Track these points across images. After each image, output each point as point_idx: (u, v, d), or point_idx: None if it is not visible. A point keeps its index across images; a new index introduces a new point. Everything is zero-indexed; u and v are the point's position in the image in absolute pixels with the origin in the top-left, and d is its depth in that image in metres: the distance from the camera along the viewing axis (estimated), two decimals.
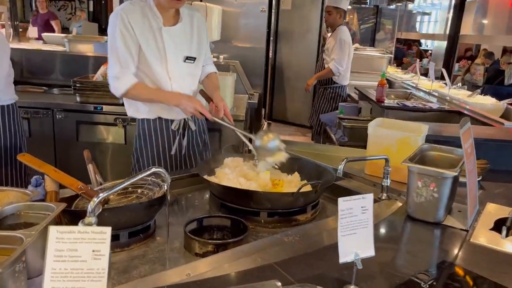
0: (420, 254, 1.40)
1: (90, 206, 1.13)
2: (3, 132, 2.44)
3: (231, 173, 1.90)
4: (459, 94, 4.25)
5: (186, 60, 2.16)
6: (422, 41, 12.71)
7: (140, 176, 1.22)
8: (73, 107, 3.26)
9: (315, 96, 4.97)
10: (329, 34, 4.82)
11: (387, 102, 3.68)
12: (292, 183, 1.93)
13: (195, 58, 2.22)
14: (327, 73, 4.49)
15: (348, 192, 2.05)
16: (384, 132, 2.19)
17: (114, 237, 1.45)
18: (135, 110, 2.22)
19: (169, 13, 2.11)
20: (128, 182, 1.22)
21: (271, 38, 6.01)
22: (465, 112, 3.44)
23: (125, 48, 2.02)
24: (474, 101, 3.76)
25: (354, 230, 1.10)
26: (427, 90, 4.52)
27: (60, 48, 4.33)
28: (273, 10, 5.82)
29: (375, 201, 1.91)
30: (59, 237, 0.82)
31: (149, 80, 2.12)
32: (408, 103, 3.69)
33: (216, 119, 2.06)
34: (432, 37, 8.08)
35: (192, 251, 1.46)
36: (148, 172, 1.25)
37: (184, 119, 2.25)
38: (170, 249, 1.45)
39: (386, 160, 1.88)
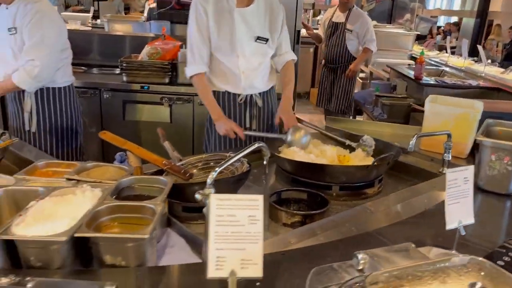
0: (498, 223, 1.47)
1: (210, 179, 1.22)
2: (59, 113, 2.52)
3: (299, 151, 1.98)
4: (491, 71, 4.26)
5: (257, 40, 2.23)
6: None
7: (246, 152, 1.29)
8: (120, 86, 3.33)
9: (325, 80, 4.79)
10: (338, 14, 4.62)
11: (424, 79, 3.71)
12: (357, 158, 2.01)
13: (267, 39, 2.29)
14: (366, 55, 4.49)
15: (407, 167, 2.12)
16: (442, 109, 2.25)
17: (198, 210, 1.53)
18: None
19: None
20: (236, 158, 1.29)
21: None
22: (505, 88, 3.47)
23: (198, 35, 2.17)
24: (510, 78, 3.78)
25: (458, 199, 1.17)
26: (459, 68, 4.53)
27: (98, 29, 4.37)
28: None
29: (435, 175, 2.01)
30: (219, 204, 0.90)
31: (220, 56, 2.23)
32: (447, 80, 3.72)
33: (249, 133, 2.22)
34: (457, 13, 7.97)
35: (279, 221, 1.55)
36: (253, 147, 1.32)
37: (251, 95, 2.35)
38: None
39: (448, 135, 1.95)
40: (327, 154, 1.99)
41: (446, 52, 5.70)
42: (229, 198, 0.90)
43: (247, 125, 2.41)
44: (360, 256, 0.86)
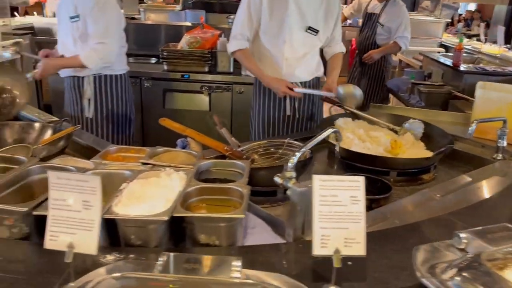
0: None
1: (291, 163, 1.25)
2: (116, 100, 2.59)
3: (354, 138, 2.01)
4: None
5: (308, 30, 2.24)
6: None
7: (321, 138, 1.31)
8: (161, 75, 3.38)
9: (355, 69, 4.70)
10: (375, 3, 4.38)
11: (463, 67, 3.67)
12: (408, 143, 2.03)
13: (318, 31, 2.30)
14: (392, 49, 4.28)
15: (459, 154, 2.12)
16: (494, 95, 2.24)
17: (272, 193, 1.57)
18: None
19: None
20: (312, 144, 1.31)
21: None
22: None
23: (247, 14, 2.20)
24: None
25: None
26: (495, 55, 4.46)
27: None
28: None
29: (489, 161, 2.01)
30: (322, 184, 0.93)
31: (265, 41, 2.27)
32: (487, 67, 3.67)
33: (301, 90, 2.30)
34: (487, 0, 7.82)
35: None
36: (327, 133, 1.34)
37: (292, 83, 2.35)
38: None
39: (504, 122, 1.94)
40: (381, 141, 2.01)
41: (476, 40, 5.62)
42: (331, 179, 0.93)
43: (288, 113, 2.43)
44: (462, 235, 0.89)
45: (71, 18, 2.40)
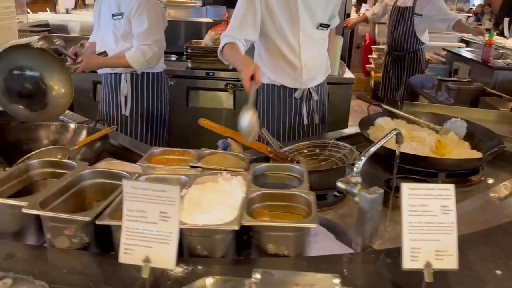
0: None
1: (357, 168, 1.19)
2: (152, 98, 2.54)
3: None
4: None
5: (319, 27, 2.16)
6: None
7: (386, 140, 1.25)
8: (185, 73, 3.32)
9: (389, 69, 4.64)
10: None
11: (493, 62, 3.59)
12: (452, 143, 1.96)
13: (328, 25, 2.22)
14: (469, 30, 4.28)
15: (505, 154, 2.05)
16: None
17: (321, 197, 1.51)
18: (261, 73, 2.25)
19: None
20: (378, 145, 1.25)
21: None
22: None
23: (242, 15, 2.05)
24: None
25: None
26: None
27: None
28: None
29: None
30: (411, 193, 0.87)
31: (280, 46, 2.14)
32: None
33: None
34: None
35: (394, 208, 1.51)
36: (391, 135, 1.28)
37: (308, 88, 2.28)
38: None
39: None
40: (425, 141, 1.95)
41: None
42: (420, 187, 0.87)
43: (305, 122, 2.34)
44: None
45: (114, 15, 2.36)
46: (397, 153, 1.35)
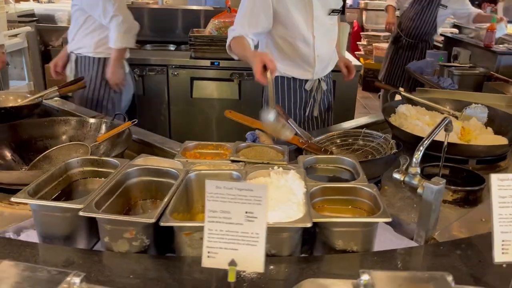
0: None
1: (416, 158, 1.16)
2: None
3: (424, 125, 1.93)
4: None
5: (331, 13, 2.11)
6: None
7: (439, 130, 1.22)
8: (189, 63, 3.23)
9: (398, 56, 4.61)
10: None
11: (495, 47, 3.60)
12: (476, 129, 1.97)
13: (339, 10, 2.18)
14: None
15: None
16: None
17: None
18: None
19: None
20: (431, 138, 1.22)
21: None
22: None
23: (251, 8, 1.99)
24: None
25: None
26: None
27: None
28: None
29: None
30: (500, 184, 0.84)
31: (292, 40, 2.09)
32: None
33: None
34: None
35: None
36: (444, 124, 1.25)
37: (318, 79, 2.24)
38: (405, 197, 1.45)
39: None
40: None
41: None
42: (509, 178, 0.84)
43: (315, 114, 2.30)
44: None
45: (72, 6, 2.38)
46: (445, 142, 1.33)
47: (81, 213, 0.94)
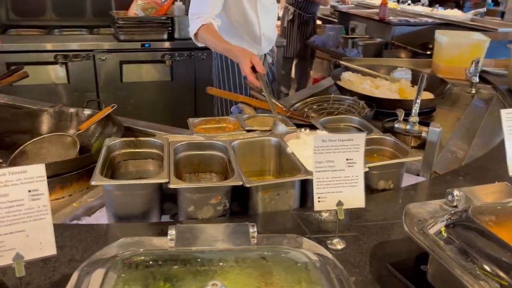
0: None
1: (414, 109, 1.40)
2: None
3: (371, 88, 2.23)
4: (425, 10, 4.90)
5: None
6: None
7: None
8: (117, 46, 3.11)
9: (292, 25, 4.94)
10: None
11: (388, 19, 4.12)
12: (408, 88, 2.32)
13: None
14: None
15: None
16: (458, 41, 2.65)
17: None
18: None
19: None
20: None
21: None
22: (452, 23, 4.05)
23: None
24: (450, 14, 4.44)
25: None
26: (395, 9, 5.06)
27: None
28: None
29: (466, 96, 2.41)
30: (508, 117, 1.11)
31: (239, 21, 2.24)
32: (410, 19, 4.17)
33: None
34: None
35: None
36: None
37: (265, 54, 2.45)
38: None
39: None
40: (392, 89, 2.27)
41: None
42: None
43: None
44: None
45: None
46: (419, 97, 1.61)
47: (170, 186, 0.99)
